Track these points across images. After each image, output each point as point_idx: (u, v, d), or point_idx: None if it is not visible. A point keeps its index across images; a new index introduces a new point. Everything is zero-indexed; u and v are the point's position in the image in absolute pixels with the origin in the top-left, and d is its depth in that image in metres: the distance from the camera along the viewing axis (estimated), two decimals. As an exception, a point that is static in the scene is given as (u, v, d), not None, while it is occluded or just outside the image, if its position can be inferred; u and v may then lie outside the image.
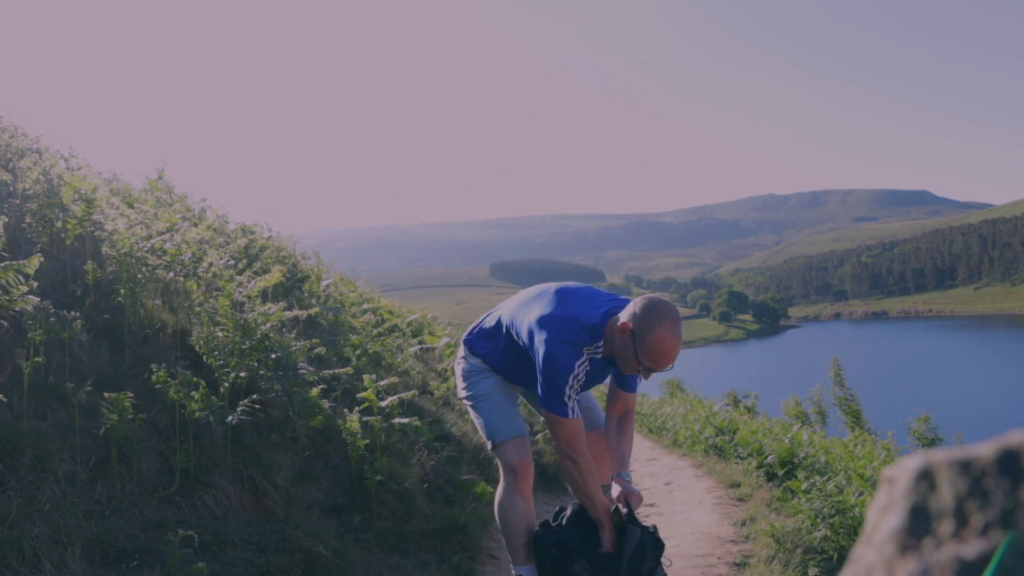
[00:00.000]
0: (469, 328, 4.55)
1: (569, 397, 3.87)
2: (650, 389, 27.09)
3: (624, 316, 3.74)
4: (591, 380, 4.11)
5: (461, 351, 4.50)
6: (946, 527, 0.79)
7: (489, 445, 4.29)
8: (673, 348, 3.67)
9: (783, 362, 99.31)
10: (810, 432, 11.34)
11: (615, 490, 4.22)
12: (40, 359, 4.27)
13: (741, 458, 9.85)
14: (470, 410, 4.46)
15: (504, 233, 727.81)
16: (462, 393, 4.49)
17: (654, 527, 4.18)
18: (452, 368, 4.77)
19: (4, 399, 4.10)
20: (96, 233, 6.17)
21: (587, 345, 3.87)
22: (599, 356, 3.93)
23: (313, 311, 7.53)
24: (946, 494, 0.80)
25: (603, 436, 4.44)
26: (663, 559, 4.21)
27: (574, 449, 3.96)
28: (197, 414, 4.60)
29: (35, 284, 4.37)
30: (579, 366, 3.85)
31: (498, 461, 4.28)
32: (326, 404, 5.68)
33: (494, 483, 7.02)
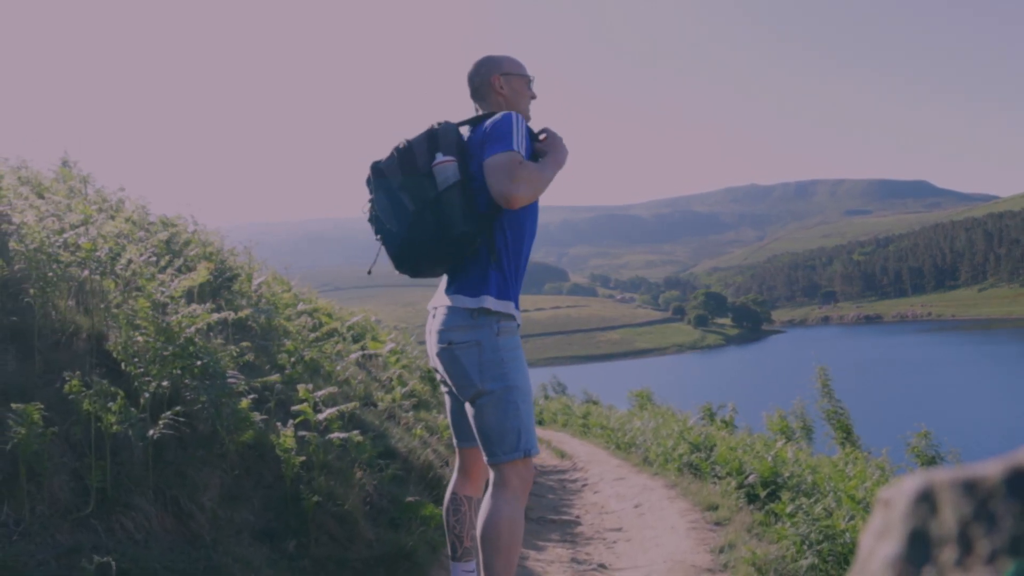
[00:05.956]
0: (445, 289, 4.23)
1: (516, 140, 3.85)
2: (618, 400, 27.19)
3: (492, 85, 4.27)
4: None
5: (461, 316, 4.00)
6: (948, 554, 0.78)
7: (518, 456, 3.85)
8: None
9: (766, 371, 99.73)
10: (795, 449, 11.44)
11: None
12: (-61, 366, 4.27)
13: (719, 477, 9.95)
14: (500, 403, 3.87)
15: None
16: (497, 378, 3.87)
17: None
18: (450, 349, 3.96)
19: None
20: (3, 226, 6.15)
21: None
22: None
23: (243, 313, 7.55)
24: (949, 518, 0.79)
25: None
26: None
27: (523, 165, 3.79)
28: (115, 427, 4.62)
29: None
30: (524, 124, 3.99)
31: (510, 472, 3.88)
32: (257, 417, 5.70)
33: (442, 504, 7.07)
